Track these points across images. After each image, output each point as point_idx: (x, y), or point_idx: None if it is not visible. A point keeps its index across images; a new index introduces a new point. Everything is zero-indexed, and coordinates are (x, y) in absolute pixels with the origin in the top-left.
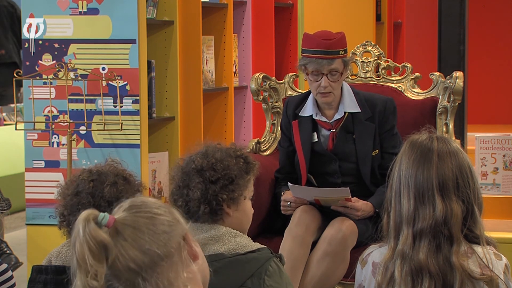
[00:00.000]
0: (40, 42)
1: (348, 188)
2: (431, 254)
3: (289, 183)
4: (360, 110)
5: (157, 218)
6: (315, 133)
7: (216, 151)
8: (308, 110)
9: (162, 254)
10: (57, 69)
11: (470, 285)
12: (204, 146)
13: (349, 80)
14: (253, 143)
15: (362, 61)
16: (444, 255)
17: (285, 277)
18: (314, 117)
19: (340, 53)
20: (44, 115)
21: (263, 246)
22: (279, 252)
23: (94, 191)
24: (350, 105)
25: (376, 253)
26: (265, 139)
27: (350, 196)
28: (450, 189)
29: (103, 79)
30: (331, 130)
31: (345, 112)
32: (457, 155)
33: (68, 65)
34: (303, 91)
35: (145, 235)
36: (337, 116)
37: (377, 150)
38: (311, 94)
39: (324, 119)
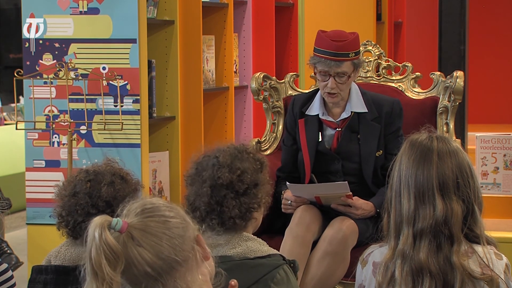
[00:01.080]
0: (41, 41)
1: (346, 182)
2: (431, 254)
3: (287, 183)
4: (367, 110)
5: (170, 221)
6: (320, 132)
7: (235, 158)
8: (315, 109)
9: (180, 259)
10: (57, 69)
11: (470, 285)
12: (218, 152)
13: None
14: (254, 143)
15: (363, 61)
16: (444, 255)
17: (293, 285)
18: (320, 116)
19: (350, 55)
20: (45, 115)
21: (275, 252)
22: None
23: (92, 191)
24: (357, 105)
25: (376, 253)
26: (265, 139)
27: (350, 191)
28: (450, 188)
29: (104, 78)
30: (337, 129)
31: (351, 112)
32: (457, 155)
33: (69, 64)
34: (304, 91)
35: (162, 241)
36: (343, 115)
37: (381, 151)
38: (319, 93)
39: (330, 118)
